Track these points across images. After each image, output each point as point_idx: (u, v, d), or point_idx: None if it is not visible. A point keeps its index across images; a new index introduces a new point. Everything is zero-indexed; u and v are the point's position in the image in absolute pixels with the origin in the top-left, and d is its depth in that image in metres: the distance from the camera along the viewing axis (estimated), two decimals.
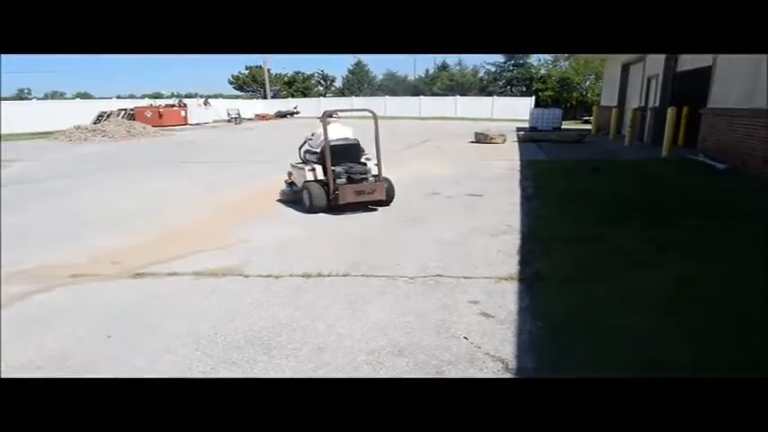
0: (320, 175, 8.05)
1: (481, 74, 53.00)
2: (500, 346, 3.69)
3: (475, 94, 47.04)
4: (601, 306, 4.33)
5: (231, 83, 63.44)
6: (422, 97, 45.82)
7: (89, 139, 23.56)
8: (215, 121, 38.84)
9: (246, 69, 61.23)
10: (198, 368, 3.47)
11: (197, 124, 36.32)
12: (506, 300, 4.48)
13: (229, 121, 38.81)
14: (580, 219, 7.12)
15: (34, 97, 47.58)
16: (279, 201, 8.85)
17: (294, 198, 8.62)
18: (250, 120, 40.96)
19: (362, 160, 8.40)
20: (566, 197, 8.83)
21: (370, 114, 8.15)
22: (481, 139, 19.63)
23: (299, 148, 8.89)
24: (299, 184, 8.40)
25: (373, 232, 6.70)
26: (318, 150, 8.17)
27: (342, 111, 8.88)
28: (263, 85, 56.02)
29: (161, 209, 8.63)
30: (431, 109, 43.56)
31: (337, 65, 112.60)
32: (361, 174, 8.10)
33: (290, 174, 8.78)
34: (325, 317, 4.18)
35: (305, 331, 3.95)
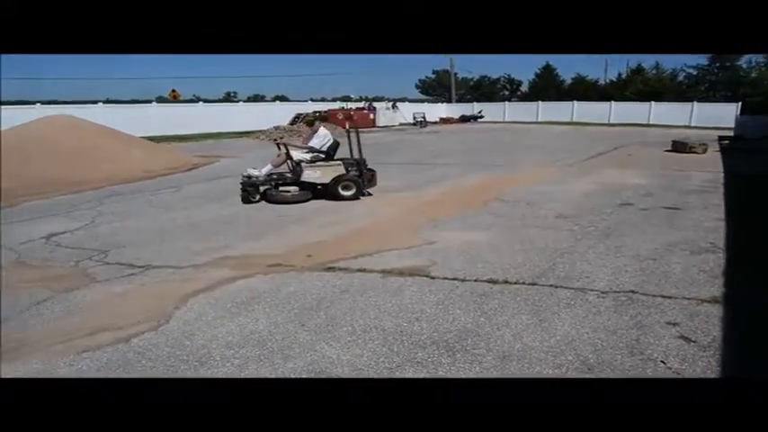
0: (342, 170, 9.57)
1: (680, 77, 49.29)
2: (703, 375, 3.39)
3: (671, 100, 43.72)
4: None
5: (418, 87, 64.99)
6: (612, 102, 43.49)
7: (285, 138, 25.26)
8: (401, 124, 39.85)
9: (434, 73, 62.31)
10: (384, 364, 3.57)
11: (384, 127, 37.49)
12: (710, 325, 4.10)
13: (415, 124, 39.61)
14: None
15: (239, 100, 51.87)
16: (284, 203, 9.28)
17: (295, 198, 9.33)
18: (434, 123, 41.52)
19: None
20: None
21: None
22: (679, 147, 18.25)
23: (289, 152, 9.83)
24: (325, 180, 9.45)
25: (561, 242, 6.47)
26: (325, 149, 9.78)
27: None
28: (448, 89, 56.56)
29: (351, 206, 9.01)
30: (621, 115, 41.17)
31: (524, 69, 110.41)
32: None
33: (250, 183, 9.47)
34: (510, 325, 4.11)
35: (490, 338, 3.90)
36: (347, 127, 11.50)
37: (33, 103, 26.63)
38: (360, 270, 5.45)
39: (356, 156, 9.88)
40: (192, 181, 12.44)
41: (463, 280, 5.12)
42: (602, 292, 4.77)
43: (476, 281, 5.09)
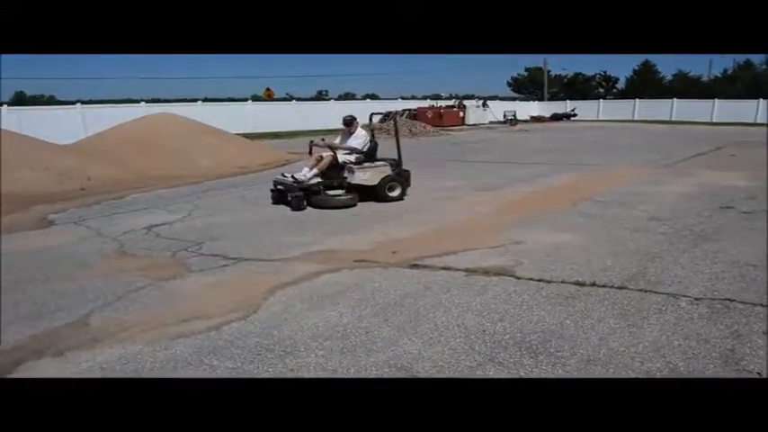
0: (389, 170, 9.55)
1: None
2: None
3: None
4: None
5: (510, 84, 64.13)
6: (716, 100, 41.19)
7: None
8: (491, 123, 39.47)
9: (526, 71, 61.30)
10: (465, 362, 3.57)
11: (473, 125, 37.24)
12: None
13: (505, 122, 39.14)
14: None
15: (331, 98, 52.72)
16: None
17: (348, 202, 9.00)
18: (525, 121, 40.85)
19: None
20: None
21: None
22: None
23: (334, 150, 9.54)
24: (374, 181, 9.28)
25: (654, 246, 6.24)
26: (366, 150, 9.70)
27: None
28: (540, 87, 55.43)
29: (438, 204, 9.06)
30: (726, 113, 38.88)
31: (622, 65, 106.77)
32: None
33: (301, 188, 8.86)
34: (597, 329, 4.01)
35: (575, 341, 3.83)
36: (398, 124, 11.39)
37: (138, 101, 28.12)
38: (444, 268, 5.46)
39: (367, 154, 9.70)
40: None
41: (549, 281, 5.04)
42: (696, 299, 4.57)
43: (562, 282, 5.00)
